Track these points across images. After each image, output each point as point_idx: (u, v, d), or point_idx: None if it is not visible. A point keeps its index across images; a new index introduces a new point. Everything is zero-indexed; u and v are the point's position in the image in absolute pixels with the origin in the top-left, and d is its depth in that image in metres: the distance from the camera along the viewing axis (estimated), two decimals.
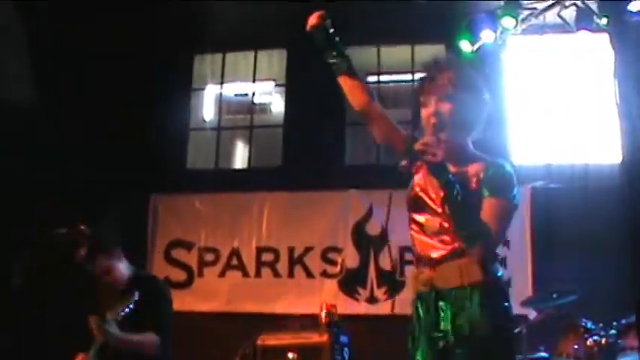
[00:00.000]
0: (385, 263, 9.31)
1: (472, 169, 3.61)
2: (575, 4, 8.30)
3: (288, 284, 9.51)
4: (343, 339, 7.87)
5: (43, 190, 9.14)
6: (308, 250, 9.55)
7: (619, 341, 6.88)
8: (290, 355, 7.66)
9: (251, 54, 10.63)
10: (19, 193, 9.07)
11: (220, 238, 9.80)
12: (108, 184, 9.35)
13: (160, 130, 9.82)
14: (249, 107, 10.65)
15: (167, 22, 9.85)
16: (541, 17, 8.67)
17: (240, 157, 10.97)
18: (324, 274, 9.46)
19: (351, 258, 9.43)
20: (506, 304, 3.64)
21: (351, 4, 8.97)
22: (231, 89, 10.78)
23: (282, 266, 9.59)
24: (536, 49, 9.54)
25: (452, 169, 3.51)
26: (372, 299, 9.25)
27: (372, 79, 10.44)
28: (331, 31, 4.07)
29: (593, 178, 8.98)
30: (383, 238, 9.37)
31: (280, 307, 9.32)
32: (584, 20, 8.35)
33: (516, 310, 7.26)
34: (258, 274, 9.62)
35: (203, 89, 10.79)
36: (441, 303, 3.58)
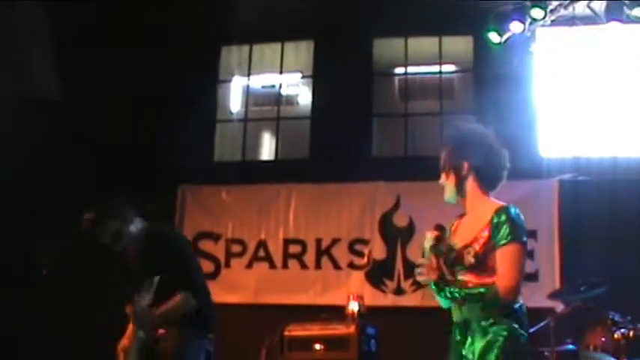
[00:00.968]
0: (412, 255, 9.30)
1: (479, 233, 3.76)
2: None
3: (315, 276, 9.51)
4: (370, 330, 7.89)
5: (72, 182, 9.22)
6: (335, 241, 9.55)
7: None
8: (317, 346, 7.69)
9: (278, 45, 10.63)
10: (48, 186, 9.16)
11: (247, 229, 9.83)
12: (136, 175, 9.40)
13: (188, 121, 9.84)
14: (276, 99, 10.65)
15: (194, 14, 9.88)
16: (570, 8, 8.61)
17: (267, 148, 10.98)
18: (351, 265, 9.46)
19: (378, 249, 9.42)
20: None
21: None
22: (258, 81, 10.78)
23: (309, 258, 9.59)
24: (566, 40, 9.46)
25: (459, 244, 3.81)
26: (398, 291, 9.23)
27: (399, 70, 10.42)
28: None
29: (622, 171, 8.92)
30: (410, 230, 9.35)
31: (307, 299, 9.33)
32: (614, 11, 8.28)
33: (544, 302, 7.29)
34: (285, 265, 9.63)
35: (230, 81, 10.80)
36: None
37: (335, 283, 9.39)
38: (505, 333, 3.64)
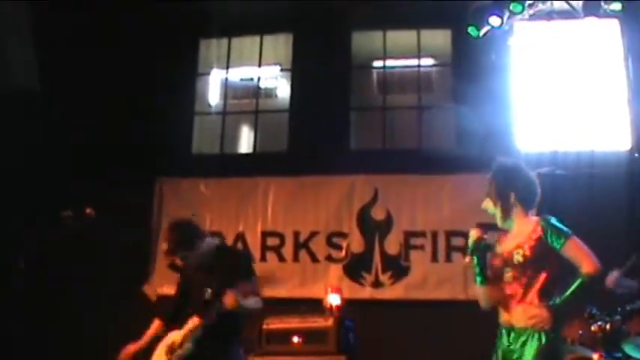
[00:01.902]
0: (390, 248, 9.32)
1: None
2: None
3: (293, 269, 9.52)
4: (348, 323, 7.90)
5: (49, 174, 9.18)
6: (313, 234, 9.56)
7: (623, 327, 6.91)
8: (295, 339, 7.68)
9: (257, 38, 10.60)
10: (25, 178, 9.12)
11: (225, 222, 9.80)
12: (114, 167, 9.38)
13: (166, 114, 9.82)
14: (255, 92, 10.63)
15: (173, 7, 9.83)
16: (548, 3, 8.66)
17: (246, 141, 10.95)
18: (330, 258, 9.47)
19: (356, 243, 9.44)
20: None
21: None
22: (237, 74, 10.76)
23: (288, 251, 9.59)
24: (544, 34, 9.50)
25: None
26: (376, 284, 9.26)
27: (377, 63, 10.43)
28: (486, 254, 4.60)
29: (599, 165, 8.96)
30: (388, 223, 9.38)
31: (285, 292, 9.33)
32: (591, 6, 8.33)
33: None
34: (263, 258, 9.61)
35: (209, 74, 10.76)
36: None
37: (313, 276, 9.40)
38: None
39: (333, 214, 9.57)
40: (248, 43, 10.66)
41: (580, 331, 7.00)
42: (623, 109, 9.23)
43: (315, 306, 8.08)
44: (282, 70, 10.58)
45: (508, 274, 4.45)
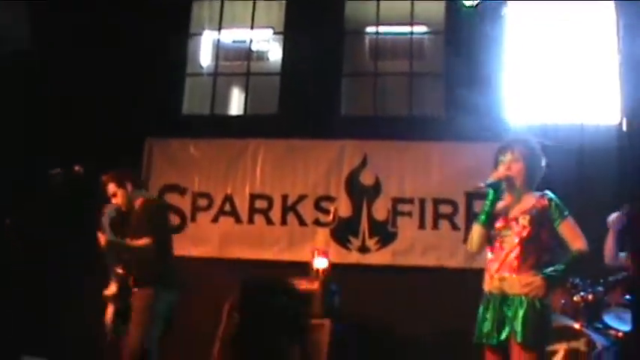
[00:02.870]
0: (378, 214, 9.37)
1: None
2: None
3: (280, 231, 9.55)
4: (334, 287, 7.97)
5: (41, 133, 9.19)
6: (301, 198, 9.60)
7: (605, 297, 7.01)
8: None
9: (250, 1, 10.55)
10: (17, 137, 9.12)
11: (214, 183, 9.84)
12: (104, 127, 9.38)
13: (157, 74, 9.80)
14: (247, 54, 10.59)
15: None
16: None
17: (236, 103, 10.94)
18: (317, 222, 9.50)
19: (344, 207, 9.47)
20: None
21: None
22: (229, 35, 10.72)
23: (275, 213, 9.63)
24: (536, 8, 9.51)
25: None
26: (363, 249, 9.31)
27: (370, 30, 10.41)
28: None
29: (589, 139, 8.99)
30: (376, 188, 9.42)
31: (272, 254, 9.40)
32: None
33: None
34: (250, 220, 9.66)
35: (201, 35, 10.72)
36: None
37: (300, 239, 9.43)
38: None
39: (321, 178, 9.60)
40: (241, 6, 10.60)
41: (562, 301, 7.10)
42: (614, 84, 9.25)
43: (301, 269, 8.15)
44: (274, 33, 10.55)
45: (508, 237, 4.71)
